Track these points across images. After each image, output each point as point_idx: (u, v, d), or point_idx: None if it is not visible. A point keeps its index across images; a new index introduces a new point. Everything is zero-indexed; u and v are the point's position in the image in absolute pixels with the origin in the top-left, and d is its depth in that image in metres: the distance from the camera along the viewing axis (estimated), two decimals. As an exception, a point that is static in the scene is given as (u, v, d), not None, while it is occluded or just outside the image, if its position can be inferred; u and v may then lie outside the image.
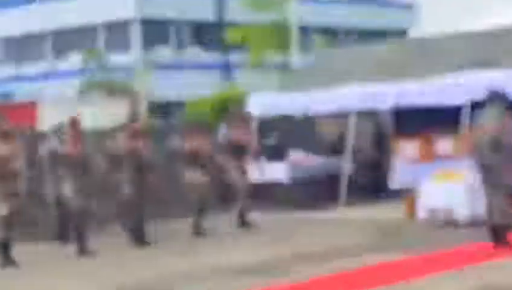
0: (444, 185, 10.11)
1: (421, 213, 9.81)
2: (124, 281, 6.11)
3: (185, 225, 10.02)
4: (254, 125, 12.79)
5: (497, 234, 6.56)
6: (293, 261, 6.55)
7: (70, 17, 30.42)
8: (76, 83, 25.48)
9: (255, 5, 23.13)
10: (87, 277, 6.63)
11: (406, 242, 7.77)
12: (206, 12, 28.49)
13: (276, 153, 13.02)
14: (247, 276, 5.90)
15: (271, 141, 13.93)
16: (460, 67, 11.36)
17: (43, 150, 9.76)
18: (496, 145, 6.73)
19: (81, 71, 26.76)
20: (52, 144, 9.17)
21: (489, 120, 6.87)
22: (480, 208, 7.51)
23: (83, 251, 7.69)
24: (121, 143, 9.06)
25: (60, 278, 6.72)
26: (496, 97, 7.15)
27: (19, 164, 7.45)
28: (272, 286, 5.34)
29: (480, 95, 8.13)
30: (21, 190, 7.41)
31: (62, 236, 9.16)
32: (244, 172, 10.50)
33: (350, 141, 12.44)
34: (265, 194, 12.00)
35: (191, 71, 28.35)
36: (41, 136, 10.50)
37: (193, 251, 8.55)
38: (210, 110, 17.18)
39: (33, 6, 31.55)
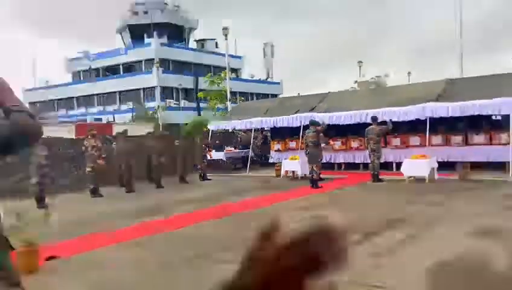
0: (292, 161, 15.57)
1: (283, 173, 15.88)
2: (143, 203, 11.69)
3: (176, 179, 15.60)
4: (210, 134, 18.73)
5: (313, 182, 12.59)
6: (224, 195, 11.88)
7: (128, 84, 45.59)
8: (129, 115, 38.92)
9: (211, 83, 32.41)
10: (130, 200, 12.67)
11: (275, 187, 13.58)
12: (190, 84, 41.49)
13: (220, 147, 19.35)
14: (196, 203, 10.67)
15: (217, 141, 19.80)
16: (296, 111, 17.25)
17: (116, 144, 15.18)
18: (314, 144, 13.07)
19: (132, 110, 40.08)
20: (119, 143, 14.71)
21: (310, 133, 13.03)
22: (306, 171, 13.96)
23: (130, 191, 13.57)
24: (149, 141, 15.48)
25: (122, 201, 12.36)
26: (313, 122, 13.51)
27: (102, 149, 13.27)
28: (210, 207, 9.89)
29: (306, 121, 14.68)
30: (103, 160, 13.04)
31: (123, 184, 14.09)
32: (205, 156, 16.75)
33: (252, 142, 18.72)
34: (216, 165, 18.27)
35: (183, 111, 40.49)
36: (113, 138, 16.42)
37: (175, 190, 14.32)
38: (191, 128, 21.04)
39: (113, 80, 46.30)
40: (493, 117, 13.96)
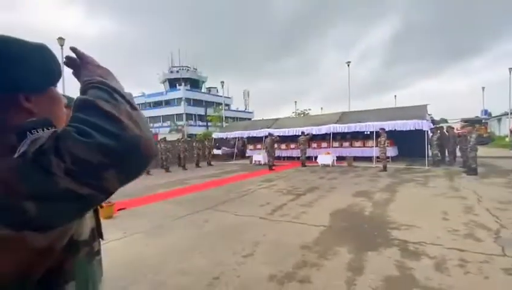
0: (259, 155, 15.47)
1: (253, 162, 15.55)
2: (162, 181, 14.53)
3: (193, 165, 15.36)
4: (213, 140, 18.34)
5: (270, 167, 12.80)
6: (220, 174, 11.95)
7: (167, 112, 44.54)
8: (168, 129, 36.87)
9: (214, 111, 32.23)
10: (167, 177, 14.01)
11: (248, 169, 13.82)
12: (202, 112, 40.43)
13: (218, 147, 18.87)
14: (204, 178, 11.01)
15: (217, 144, 19.16)
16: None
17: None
18: (271, 146, 13.83)
19: (169, 126, 38.94)
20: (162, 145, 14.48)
21: (268, 140, 16.00)
22: (266, 161, 14.21)
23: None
24: (181, 143, 15.36)
25: (161, 178, 14.28)
26: (270, 134, 16.40)
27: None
28: (212, 180, 13.71)
29: (266, 133, 16.00)
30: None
31: (164, 167, 14.34)
32: (210, 151, 16.56)
33: (236, 144, 18.95)
34: (216, 157, 17.71)
35: (198, 127, 39.42)
36: (158, 141, 14.84)
37: (193, 171, 15.34)
38: (202, 136, 22.85)
39: (158, 109, 45.58)
40: (365, 132, 14.31)
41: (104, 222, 3.55)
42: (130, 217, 5.34)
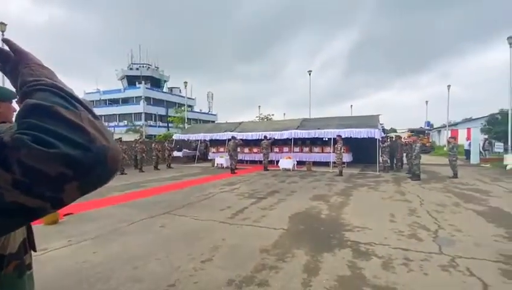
0: (221, 158, 15.16)
1: (215, 165, 15.38)
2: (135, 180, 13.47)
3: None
4: (174, 141, 17.49)
5: (232, 170, 12.46)
6: (180, 177, 11.79)
7: (124, 110, 42.38)
8: (124, 129, 34.85)
9: (176, 112, 30.89)
10: (123, 179, 13.27)
11: (210, 172, 13.72)
12: (163, 112, 39.17)
13: (179, 149, 18.38)
14: (163, 181, 10.85)
15: (178, 146, 18.57)
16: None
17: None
18: (234, 149, 14.47)
19: (126, 125, 37.00)
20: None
21: (231, 143, 16.05)
22: (228, 164, 14.08)
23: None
24: (139, 144, 14.32)
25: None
26: (233, 137, 16.27)
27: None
28: (170, 184, 12.69)
29: (229, 136, 17.25)
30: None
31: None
32: (170, 153, 15.87)
33: (199, 147, 18.19)
34: (177, 160, 17.16)
35: (158, 127, 38.23)
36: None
37: (151, 174, 13.76)
38: (162, 137, 22.08)
39: (115, 107, 43.02)
40: (324, 139, 14.92)
41: (47, 229, 3.26)
42: (78, 223, 4.92)
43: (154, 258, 3.37)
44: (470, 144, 17.76)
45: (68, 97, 0.48)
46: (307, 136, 14.52)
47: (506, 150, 15.14)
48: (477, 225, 4.67)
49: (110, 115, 44.79)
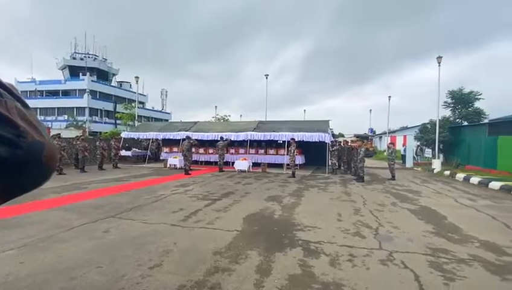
0: (175, 159, 14.69)
1: (168, 166, 14.73)
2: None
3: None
4: (122, 140, 16.57)
5: (186, 171, 12.02)
6: (128, 178, 11.27)
7: (65, 104, 38.52)
8: (65, 124, 31.81)
9: (125, 108, 29.16)
10: (61, 181, 11.11)
11: (163, 173, 13.00)
12: (111, 108, 36.62)
13: (128, 148, 17.40)
14: (108, 182, 11.25)
15: (127, 144, 17.60)
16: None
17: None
18: (188, 149, 15.16)
19: (67, 120, 33.77)
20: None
21: (186, 142, 15.46)
22: (182, 165, 13.70)
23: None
24: (80, 141, 12.86)
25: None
26: (188, 137, 15.54)
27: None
28: (117, 185, 10.46)
29: (184, 136, 16.72)
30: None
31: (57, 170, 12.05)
32: (117, 152, 14.75)
33: (150, 146, 17.56)
34: (125, 159, 16.49)
35: (105, 124, 35.57)
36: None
37: (95, 174, 12.84)
38: (109, 135, 20.84)
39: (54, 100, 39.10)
40: (279, 141, 15.32)
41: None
42: (2, 229, 4.29)
43: (96, 267, 3.09)
44: (405, 150, 19.87)
45: None
46: (262, 138, 14.77)
47: (433, 156, 17.20)
48: (410, 222, 5.21)
49: (47, 108, 40.21)
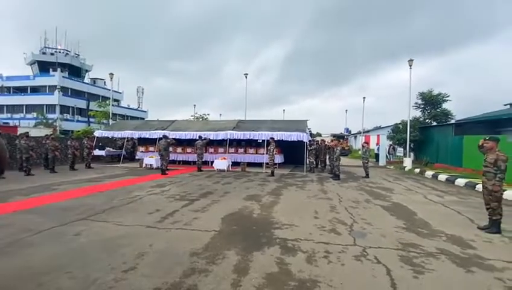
0: (151, 158, 14.12)
1: (143, 165, 14.29)
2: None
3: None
4: (95, 139, 15.78)
5: (163, 171, 11.52)
6: (102, 178, 11.32)
7: (34, 100, 36.93)
8: (33, 122, 30.50)
9: (99, 106, 28.14)
10: (29, 182, 10.30)
11: (138, 173, 12.50)
12: (83, 106, 35.14)
13: (102, 147, 16.63)
14: (80, 183, 10.51)
15: (100, 143, 16.83)
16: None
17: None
18: (165, 149, 14.68)
19: (35, 118, 32.27)
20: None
21: (163, 142, 14.96)
22: (159, 164, 13.16)
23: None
24: (50, 140, 12.09)
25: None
26: (165, 136, 15.01)
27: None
28: (90, 186, 9.73)
29: (161, 135, 16.00)
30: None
31: (23, 170, 10.90)
32: (90, 152, 14.03)
33: (125, 145, 17.03)
34: (98, 159, 15.85)
35: (77, 122, 34.04)
36: (17, 137, 12.36)
37: (66, 175, 12.19)
38: (81, 133, 19.86)
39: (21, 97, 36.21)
40: (258, 141, 15.36)
41: None
42: (-40, 236, 3.97)
43: (65, 272, 2.93)
44: (378, 149, 20.65)
45: None
46: (242, 138, 14.73)
47: (405, 155, 18.01)
48: (383, 218, 5.42)
49: (14, 105, 37.72)
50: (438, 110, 19.35)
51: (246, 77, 26.16)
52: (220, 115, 48.00)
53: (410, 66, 16.96)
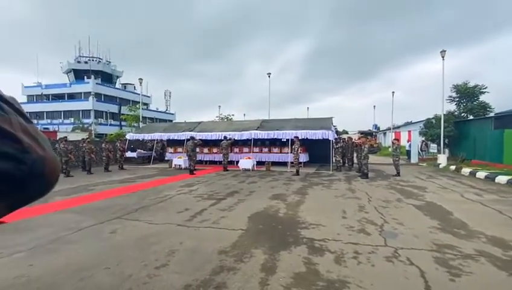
0: (180, 158, 14.72)
1: (172, 166, 14.72)
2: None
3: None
4: (127, 141, 16.53)
5: (191, 171, 12.01)
6: (134, 179, 11.48)
7: (71, 107, 39.22)
8: (71, 127, 32.68)
9: (130, 110, 29.39)
10: (69, 183, 11.04)
11: (167, 173, 12.90)
12: (115, 110, 36.79)
13: (133, 150, 17.35)
14: (115, 183, 11.09)
15: (133, 146, 17.63)
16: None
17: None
18: (192, 150, 13.54)
19: (73, 123, 34.47)
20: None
21: (190, 143, 15.67)
22: (187, 165, 13.60)
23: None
24: (86, 143, 12.93)
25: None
26: (192, 137, 15.69)
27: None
28: (124, 186, 10.66)
29: (188, 136, 16.40)
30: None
31: (63, 172, 11.77)
32: (122, 154, 14.80)
33: (155, 147, 17.52)
34: (130, 161, 16.62)
35: (110, 126, 35.67)
36: (57, 141, 13.04)
37: (101, 176, 13.01)
38: (114, 136, 20.69)
39: (60, 103, 39.99)
40: (282, 140, 15.24)
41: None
42: (12, 233, 4.34)
43: (103, 268, 3.12)
44: (410, 145, 19.68)
45: None
46: (266, 137, 14.73)
47: (439, 151, 17.02)
48: (415, 218, 5.18)
49: (53, 111, 40.74)
50: (475, 103, 18.08)
51: (268, 76, 26.14)
52: (244, 115, 48.48)
53: (443, 57, 16.00)
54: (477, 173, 11.08)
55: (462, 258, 3.33)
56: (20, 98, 41.28)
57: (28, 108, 38.21)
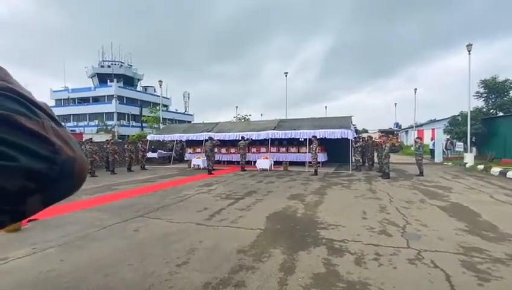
0: (198, 159, 15.01)
1: (192, 166, 15.06)
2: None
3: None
4: (148, 142, 16.93)
5: (209, 171, 12.28)
6: (155, 178, 11.66)
7: (95, 109, 40.60)
8: (95, 129, 33.74)
9: (151, 111, 30.69)
10: (94, 182, 11.44)
11: (187, 173, 13.31)
12: (137, 112, 37.58)
13: (154, 150, 17.80)
14: (137, 183, 11.98)
15: (154, 146, 18.06)
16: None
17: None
18: (211, 150, 13.43)
19: (97, 125, 35.52)
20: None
21: (208, 143, 16.09)
22: (205, 165, 13.92)
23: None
24: (110, 144, 13.55)
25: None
26: (210, 138, 15.97)
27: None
28: (145, 186, 12.06)
29: (206, 137, 15.81)
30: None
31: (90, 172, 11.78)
32: (144, 154, 15.17)
33: (174, 147, 17.97)
34: (151, 161, 16.98)
35: (132, 127, 36.73)
36: (83, 142, 13.41)
37: (125, 176, 13.39)
38: (136, 138, 21.00)
39: (85, 106, 41.51)
40: (300, 139, 15.12)
41: (8, 237, 3.03)
42: (43, 229, 4.61)
43: (127, 264, 3.24)
44: (434, 144, 18.89)
45: (28, 103, 0.42)
46: (283, 137, 14.70)
47: (465, 150, 16.22)
48: (440, 219, 4.98)
49: (79, 114, 42.70)
50: (505, 98, 17.10)
51: (285, 75, 26.00)
52: (261, 114, 48.30)
53: (469, 51, 15.23)
54: (508, 173, 10.47)
55: (491, 262, 3.17)
56: (49, 102, 43.58)
57: (56, 111, 40.06)
